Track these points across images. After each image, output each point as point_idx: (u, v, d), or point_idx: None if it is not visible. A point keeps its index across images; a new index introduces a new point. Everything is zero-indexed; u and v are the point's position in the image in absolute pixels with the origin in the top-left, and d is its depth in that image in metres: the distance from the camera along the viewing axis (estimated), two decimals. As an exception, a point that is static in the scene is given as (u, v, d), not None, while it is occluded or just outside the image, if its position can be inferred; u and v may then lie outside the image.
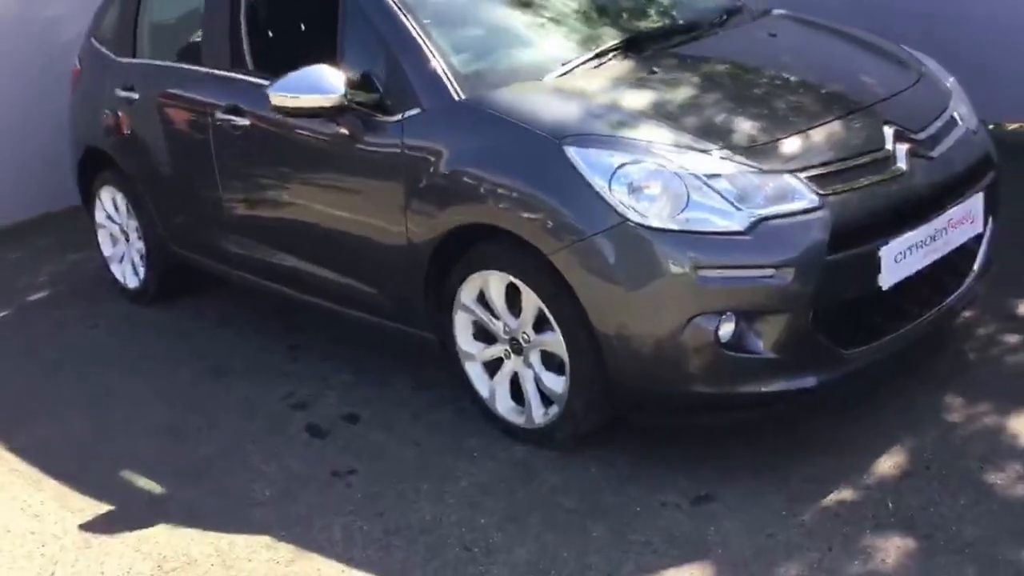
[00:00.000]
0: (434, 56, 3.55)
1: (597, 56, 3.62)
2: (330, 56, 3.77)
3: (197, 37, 4.62)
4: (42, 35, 6.54)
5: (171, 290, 5.08)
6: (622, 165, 3.09)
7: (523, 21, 3.88)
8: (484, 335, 3.54)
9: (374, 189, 3.67)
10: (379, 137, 3.62)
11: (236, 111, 4.13)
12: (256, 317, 4.79)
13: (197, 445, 3.82)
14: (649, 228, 3.02)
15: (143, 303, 5.11)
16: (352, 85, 3.61)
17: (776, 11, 4.12)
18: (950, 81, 3.73)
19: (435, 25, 3.66)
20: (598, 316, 3.12)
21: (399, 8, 3.66)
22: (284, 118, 3.84)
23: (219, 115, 4.19)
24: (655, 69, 3.55)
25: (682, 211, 3.02)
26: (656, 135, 3.19)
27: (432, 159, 3.45)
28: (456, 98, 3.47)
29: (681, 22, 3.98)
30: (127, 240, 5.13)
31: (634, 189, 3.06)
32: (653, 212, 3.03)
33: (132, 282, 5.15)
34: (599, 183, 3.08)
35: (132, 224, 5.02)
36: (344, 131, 3.68)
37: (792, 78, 3.59)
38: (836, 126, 3.27)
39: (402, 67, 3.58)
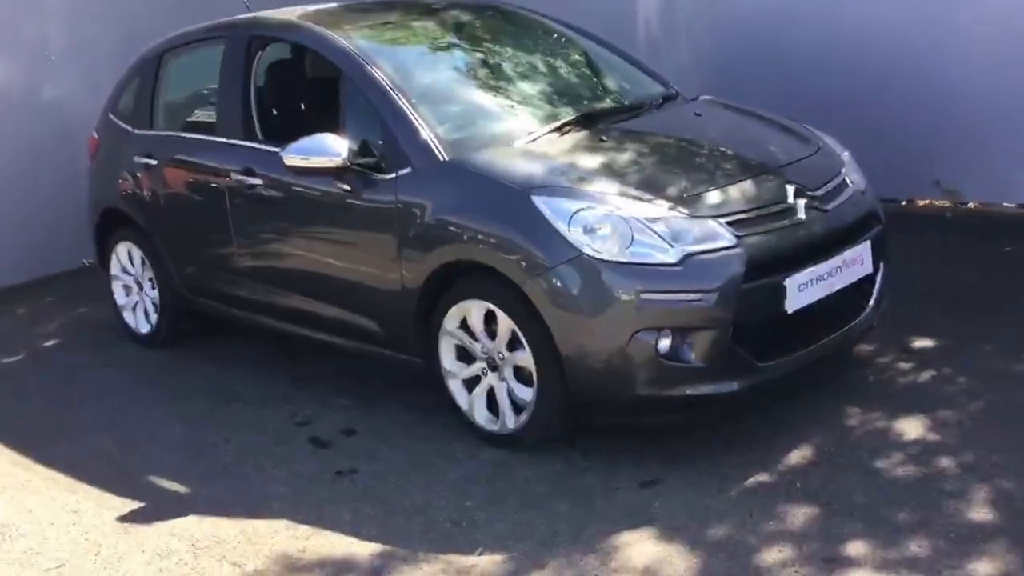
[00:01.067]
0: (423, 126, 4.25)
1: (558, 128, 4.36)
2: (330, 126, 4.46)
3: (209, 112, 5.31)
4: (47, 114, 7.23)
5: (181, 334, 5.68)
6: (579, 210, 3.79)
7: (495, 98, 4.64)
8: (465, 356, 4.18)
9: (372, 239, 4.33)
10: (376, 193, 4.30)
11: (250, 173, 4.80)
12: (261, 355, 5.40)
13: (215, 456, 4.41)
14: (601, 261, 3.71)
15: (154, 347, 5.70)
16: (352, 149, 4.31)
17: (704, 97, 4.93)
18: (845, 154, 4.50)
19: (422, 101, 4.37)
20: (561, 334, 3.78)
21: (391, 88, 4.37)
22: (293, 178, 4.53)
23: (234, 176, 4.86)
24: (604, 138, 4.30)
25: (628, 247, 3.72)
26: (606, 188, 3.91)
27: (422, 210, 4.13)
28: (442, 159, 4.16)
29: (626, 103, 4.77)
30: (140, 289, 5.74)
31: (589, 230, 3.76)
32: (604, 248, 3.72)
33: (144, 328, 5.74)
34: (560, 225, 3.77)
35: (147, 275, 5.63)
36: (346, 187, 4.36)
37: (713, 146, 4.36)
38: (748, 183, 4.02)
39: (395, 135, 4.28)
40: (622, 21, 7.10)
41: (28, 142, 7.12)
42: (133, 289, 5.80)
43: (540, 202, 3.84)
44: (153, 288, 5.63)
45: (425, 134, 4.22)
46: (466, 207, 4.04)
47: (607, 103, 4.78)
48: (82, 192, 6.41)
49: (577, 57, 5.11)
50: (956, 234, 6.08)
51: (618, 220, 3.76)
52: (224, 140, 5.01)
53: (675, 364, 3.70)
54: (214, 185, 5.01)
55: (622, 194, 3.87)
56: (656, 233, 3.73)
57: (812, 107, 5.70)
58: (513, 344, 3.98)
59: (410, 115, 4.28)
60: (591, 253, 3.72)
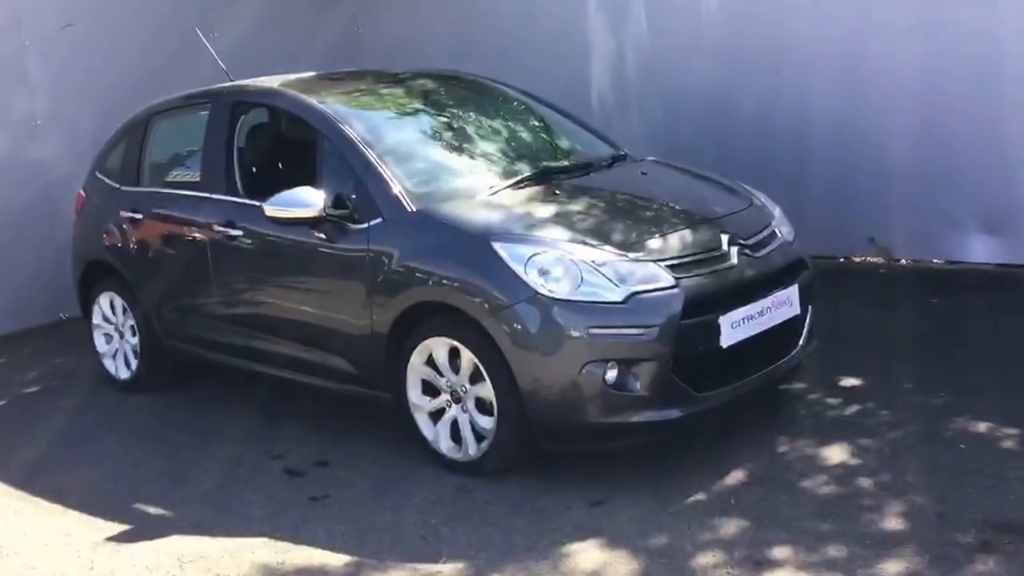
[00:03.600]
0: (392, 180, 4.67)
1: (516, 183, 4.81)
2: (307, 182, 4.87)
3: (193, 170, 5.69)
4: (27, 175, 7.57)
5: (159, 380, 6.00)
6: (534, 255, 4.22)
7: (459, 156, 5.10)
8: (430, 390, 4.56)
9: (345, 285, 4.72)
10: (349, 242, 4.70)
11: (230, 225, 5.19)
12: (238, 396, 5.73)
13: (196, 485, 4.73)
14: (554, 299, 4.12)
15: (134, 391, 6.01)
16: (328, 202, 4.72)
17: (649, 158, 5.44)
18: (776, 209, 4.99)
19: (391, 158, 4.81)
20: (519, 367, 4.18)
21: (364, 145, 4.80)
22: (272, 228, 4.93)
23: (216, 228, 5.25)
24: (557, 192, 4.76)
25: (578, 287, 4.14)
26: (559, 234, 4.34)
27: (391, 257, 4.53)
28: (410, 209, 4.58)
29: (578, 162, 5.25)
30: (121, 337, 6.07)
31: (543, 272, 4.18)
32: (557, 288, 4.14)
33: (124, 373, 6.05)
34: (518, 268, 4.19)
35: (128, 322, 5.97)
36: (322, 236, 4.76)
37: (656, 200, 4.83)
38: (687, 232, 4.48)
39: (367, 188, 4.70)
40: (577, 89, 7.64)
41: (10, 202, 7.46)
42: (114, 337, 6.13)
43: (499, 247, 4.26)
44: (134, 335, 5.97)
45: (395, 187, 4.64)
46: (432, 253, 4.44)
47: (561, 162, 5.26)
48: (60, 250, 6.76)
49: (534, 121, 5.58)
50: (887, 287, 6.59)
51: (569, 263, 4.18)
52: (207, 195, 5.41)
53: (621, 393, 4.10)
54: (196, 236, 5.39)
55: (573, 240, 4.30)
56: (603, 275, 4.15)
57: (753, 170, 6.21)
58: (475, 377, 4.36)
59: (381, 170, 4.71)
60: (545, 292, 4.13)
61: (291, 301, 5.02)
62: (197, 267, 5.41)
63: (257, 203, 5.01)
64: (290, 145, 5.67)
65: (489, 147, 5.18)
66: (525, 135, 5.46)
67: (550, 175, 4.97)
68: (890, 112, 6.58)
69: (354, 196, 4.74)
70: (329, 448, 4.95)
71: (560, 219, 4.51)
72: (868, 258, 6.94)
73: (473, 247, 4.34)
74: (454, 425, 4.50)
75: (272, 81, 5.62)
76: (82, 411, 5.86)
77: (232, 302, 5.33)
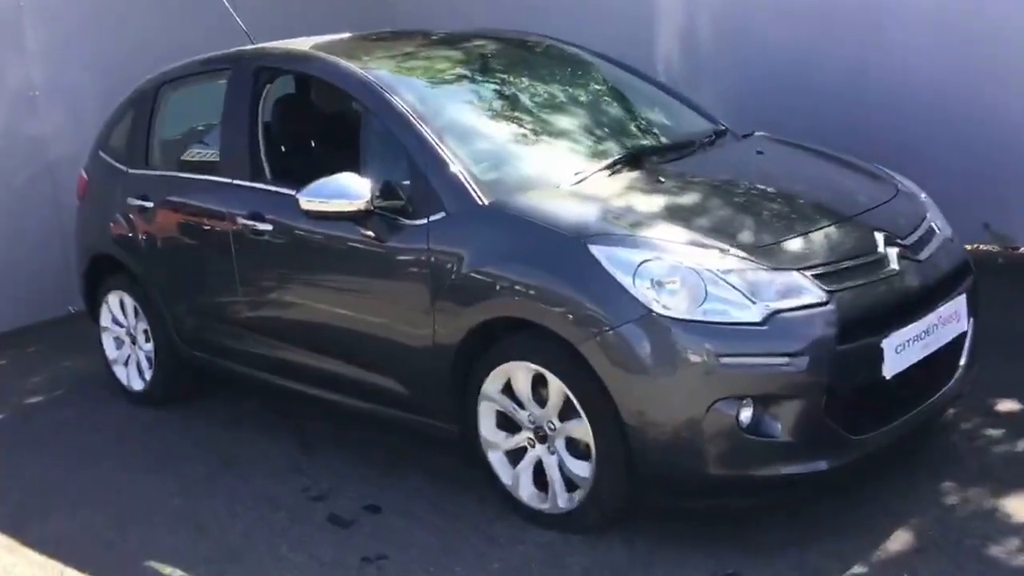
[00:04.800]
0: (456, 165, 3.68)
1: (606, 167, 3.80)
2: (348, 166, 3.88)
3: (211, 150, 4.71)
4: (26, 153, 6.56)
5: (177, 391, 5.04)
6: (644, 261, 3.23)
7: (533, 135, 4.03)
8: (508, 424, 3.60)
9: (400, 290, 3.75)
10: (404, 240, 3.71)
11: (257, 217, 4.21)
12: (264, 415, 4.77)
13: (220, 536, 3.77)
14: (673, 319, 3.14)
15: (148, 404, 5.06)
16: (376, 192, 3.74)
17: (758, 132, 4.37)
18: (923, 196, 3.97)
19: (453, 137, 3.80)
20: (625, 402, 3.21)
21: (419, 122, 3.80)
22: (308, 223, 3.94)
23: (240, 221, 4.26)
24: (661, 179, 3.73)
25: (702, 303, 3.16)
26: (672, 234, 3.35)
27: (458, 260, 3.55)
28: (480, 203, 3.60)
29: (677, 140, 4.19)
30: (133, 343, 5.11)
31: (656, 283, 3.19)
32: (675, 304, 3.16)
33: (137, 384, 5.10)
34: (623, 278, 3.20)
35: (140, 327, 5.01)
36: (369, 234, 3.79)
37: (783, 188, 3.80)
38: (831, 230, 3.46)
39: (425, 175, 3.70)
40: (641, 62, 6.59)
41: (9, 184, 6.48)
42: (125, 342, 5.16)
43: (598, 252, 3.27)
44: (147, 341, 5.00)
45: (460, 174, 3.65)
46: (511, 257, 3.46)
47: (655, 140, 4.21)
48: (67, 236, 5.82)
49: (617, 89, 4.54)
50: (1011, 280, 5.56)
51: (689, 272, 3.20)
52: (228, 181, 4.40)
53: (758, 439, 3.12)
54: (217, 230, 4.40)
55: (692, 242, 3.30)
56: (734, 287, 3.16)
57: (847, 147, 5.21)
58: (567, 412, 3.40)
59: (442, 152, 3.71)
60: (660, 310, 3.14)
61: (330, 309, 4.04)
62: (219, 265, 4.43)
63: (288, 192, 4.04)
64: (325, 120, 4.69)
65: (569, 122, 4.13)
66: (609, 107, 4.40)
67: (645, 156, 3.95)
68: (1009, 81, 5.52)
69: (408, 184, 3.75)
70: (379, 486, 3.99)
71: (671, 214, 3.50)
72: (982, 246, 5.91)
73: (564, 251, 3.35)
74: (538, 468, 3.53)
75: (302, 43, 4.59)
76: (88, 430, 4.91)
77: (260, 307, 4.35)
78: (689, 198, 3.65)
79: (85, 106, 6.43)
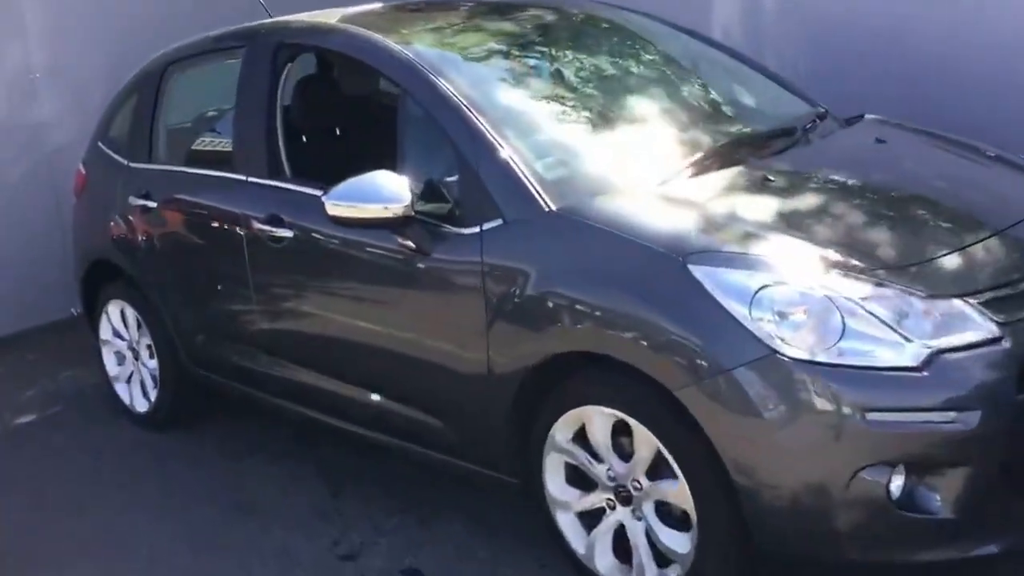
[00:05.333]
0: (515, 162, 2.97)
1: (699, 164, 3.07)
2: (383, 161, 3.19)
3: (223, 141, 4.03)
4: (25, 141, 5.83)
5: (186, 414, 4.37)
6: (763, 287, 2.52)
7: (608, 124, 3.30)
8: (580, 480, 2.90)
9: (446, 309, 3.05)
10: (452, 252, 3.02)
11: (276, 221, 3.51)
12: (285, 446, 4.09)
13: (233, 606, 3.14)
14: (801, 361, 2.43)
15: (154, 428, 4.39)
16: (417, 193, 3.05)
17: (870, 116, 3.62)
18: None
19: (513, 128, 3.09)
20: (737, 463, 2.51)
21: (470, 110, 3.11)
22: (335, 229, 3.25)
23: (256, 225, 3.57)
24: (769, 177, 3.00)
25: (838, 340, 2.46)
26: (794, 251, 2.63)
27: (520, 277, 2.85)
28: (547, 209, 2.89)
29: (776, 127, 3.44)
30: (136, 358, 4.44)
31: (780, 315, 2.48)
32: (804, 342, 2.45)
33: (141, 405, 4.43)
34: (737, 308, 2.49)
35: (144, 341, 4.33)
36: (409, 244, 3.10)
37: (922, 190, 3.06)
38: (993, 244, 2.72)
39: (478, 174, 3.00)
40: (693, 19, 5.79)
41: (6, 175, 5.78)
42: (127, 357, 4.49)
43: (702, 274, 2.56)
44: (152, 358, 4.32)
45: (522, 174, 2.94)
46: (588, 277, 2.75)
47: (752, 127, 3.46)
48: (68, 232, 5.15)
49: (699, 66, 3.79)
50: None
51: (821, 300, 2.49)
52: (242, 178, 3.70)
53: (913, 516, 2.42)
54: (229, 235, 3.70)
55: (821, 261, 2.58)
56: (880, 320, 2.46)
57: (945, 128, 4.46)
58: (657, 470, 2.69)
59: (499, 146, 2.99)
60: (785, 350, 2.43)
61: (360, 331, 3.35)
62: (231, 276, 3.74)
63: (312, 192, 3.36)
64: (355, 107, 3.98)
65: (648, 108, 3.39)
66: (693, 88, 3.66)
67: (742, 149, 3.24)
68: None
69: (456, 185, 3.05)
70: (418, 540, 3.31)
71: (789, 223, 2.77)
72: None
73: (657, 271, 2.64)
74: (619, 535, 2.84)
75: (328, 15, 3.87)
76: (84, 460, 4.22)
77: (278, 325, 3.66)
78: (808, 202, 2.90)
79: (91, 89, 5.66)
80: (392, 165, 3.16)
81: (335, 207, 3.07)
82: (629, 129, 3.28)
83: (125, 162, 4.31)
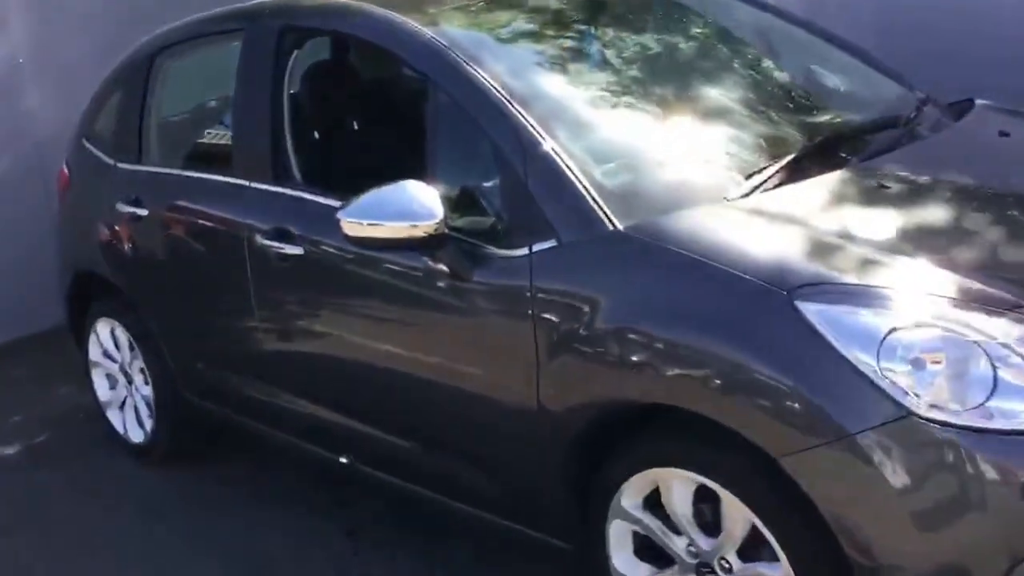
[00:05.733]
0: (571, 169, 2.46)
1: (789, 168, 2.53)
2: (410, 166, 2.69)
3: (222, 139, 3.53)
4: (10, 132, 5.32)
5: (188, 446, 3.88)
6: (892, 330, 2.00)
7: (676, 121, 2.75)
8: (653, 553, 2.40)
9: (489, 343, 2.55)
10: (494, 275, 2.50)
11: (283, 235, 3.00)
12: (298, 484, 3.59)
13: None
14: (944, 424, 1.92)
15: (152, 462, 3.90)
16: (451, 206, 2.56)
17: (980, 101, 3.05)
18: None
19: (566, 127, 2.57)
20: (860, 546, 1.99)
21: (513, 105, 2.56)
22: (352, 248, 2.73)
23: (260, 240, 3.08)
24: (885, 184, 2.47)
25: (987, 398, 1.95)
26: (929, 282, 2.11)
27: (581, 310, 2.33)
28: (610, 227, 2.37)
29: (876, 119, 2.88)
30: (129, 383, 3.94)
31: (914, 365, 1.98)
32: (946, 400, 1.94)
33: (136, 435, 3.93)
34: (860, 357, 1.98)
35: (137, 364, 3.85)
36: (442, 267, 2.60)
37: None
38: None
39: (525, 184, 2.48)
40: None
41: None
42: (119, 381, 4.00)
43: (815, 313, 2.04)
44: (147, 383, 3.84)
45: (579, 184, 2.42)
46: (665, 313, 2.23)
47: (850, 120, 2.90)
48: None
49: (776, 43, 3.23)
50: None
51: (967, 347, 1.97)
52: (244, 183, 3.19)
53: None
54: (230, 250, 3.19)
55: (962, 295, 2.07)
56: (1047, 371, 1.97)
57: None
58: (752, 548, 2.19)
59: (548, 149, 2.48)
60: (922, 410, 1.93)
61: (384, 364, 2.84)
62: (232, 296, 3.24)
63: (325, 200, 2.88)
64: (374, 100, 3.47)
65: (724, 98, 2.83)
66: (772, 71, 3.09)
67: (842, 146, 2.69)
68: None
69: (499, 195, 2.54)
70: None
71: (915, 244, 2.24)
72: None
73: (755, 309, 2.12)
74: (701, 622, 2.38)
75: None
76: (70, 507, 3.72)
77: (287, 355, 3.16)
78: (937, 215, 2.36)
79: (82, 75, 5.14)
80: (419, 169, 2.65)
81: (353, 225, 2.54)
82: (704, 125, 2.72)
83: (111, 162, 3.80)
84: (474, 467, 2.71)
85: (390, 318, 2.82)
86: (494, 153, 2.56)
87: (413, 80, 3.00)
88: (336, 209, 2.66)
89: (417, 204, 2.50)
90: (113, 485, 3.85)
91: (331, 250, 2.87)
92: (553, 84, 2.77)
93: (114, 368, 4.00)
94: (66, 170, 4.11)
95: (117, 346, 3.93)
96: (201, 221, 3.36)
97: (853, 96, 3.09)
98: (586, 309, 2.34)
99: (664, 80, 2.88)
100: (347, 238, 2.58)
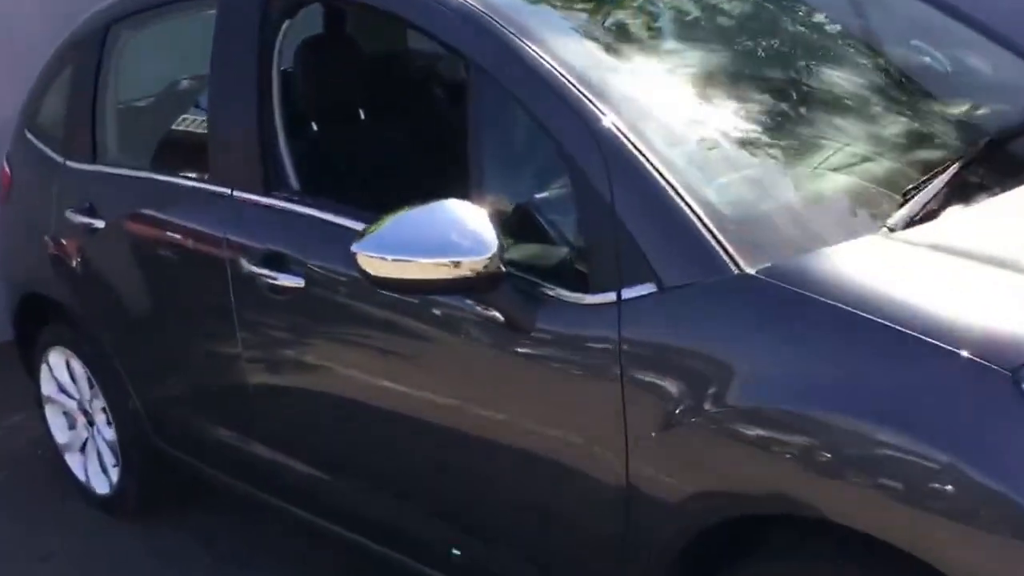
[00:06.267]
0: (675, 187, 1.78)
1: (963, 180, 1.86)
2: (444, 176, 2.03)
3: (196, 134, 2.83)
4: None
5: (159, 498, 3.21)
6: None
7: (802, 123, 2.05)
8: None
9: (554, 421, 1.89)
10: (565, 324, 1.85)
11: (277, 262, 2.33)
12: (285, 551, 2.95)
13: None
14: None
15: (119, 516, 3.23)
16: (502, 230, 1.88)
17: None
18: None
19: (663, 133, 1.88)
20: None
21: (588, 98, 1.88)
22: (374, 285, 2.07)
23: (247, 266, 2.40)
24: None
25: None
26: None
27: (693, 374, 1.68)
28: (734, 269, 1.71)
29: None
30: (91, 424, 3.28)
31: None
32: None
33: (100, 485, 3.25)
34: None
35: (98, 404, 3.18)
36: (494, 315, 1.95)
37: None
38: None
39: (610, 206, 1.81)
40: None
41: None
42: (79, 421, 3.33)
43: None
44: (110, 425, 3.18)
45: (687, 208, 1.76)
46: (825, 390, 1.56)
47: (1006, 115, 2.21)
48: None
49: (909, 25, 2.50)
50: None
51: None
52: (224, 191, 2.49)
53: None
54: (209, 274, 2.51)
55: None
56: None
57: None
58: None
59: (645, 160, 1.83)
60: None
61: (410, 429, 2.17)
62: (212, 330, 2.57)
63: (332, 218, 2.22)
64: (392, 86, 2.78)
65: (854, 89, 2.14)
66: (912, 57, 2.37)
67: (1011, 151, 2.04)
68: None
69: (573, 220, 1.88)
70: None
71: None
72: None
73: (960, 393, 1.47)
74: None
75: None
76: (32, 568, 3.05)
77: (283, 408, 2.49)
78: None
79: (25, 48, 4.45)
80: (456, 178, 1.99)
81: (374, 262, 1.87)
82: (842, 124, 2.02)
83: (60, 160, 3.08)
84: (526, 560, 2.08)
85: (417, 372, 2.14)
86: (562, 160, 1.89)
87: (445, 60, 2.33)
88: (346, 230, 2.00)
89: (461, 233, 1.82)
90: (73, 544, 3.16)
91: (341, 283, 2.20)
92: (642, 68, 2.07)
93: (72, 405, 3.31)
94: (7, 168, 3.39)
95: (74, 379, 3.27)
96: (171, 237, 2.66)
97: (1005, 86, 2.40)
98: (705, 376, 1.68)
99: (786, 66, 2.18)
100: (366, 278, 1.92)
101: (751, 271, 1.68)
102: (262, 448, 2.60)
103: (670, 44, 2.18)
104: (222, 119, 2.54)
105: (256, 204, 2.41)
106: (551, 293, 1.87)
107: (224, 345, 2.55)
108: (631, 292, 1.77)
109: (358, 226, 2.01)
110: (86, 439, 3.32)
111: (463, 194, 1.92)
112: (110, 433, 3.15)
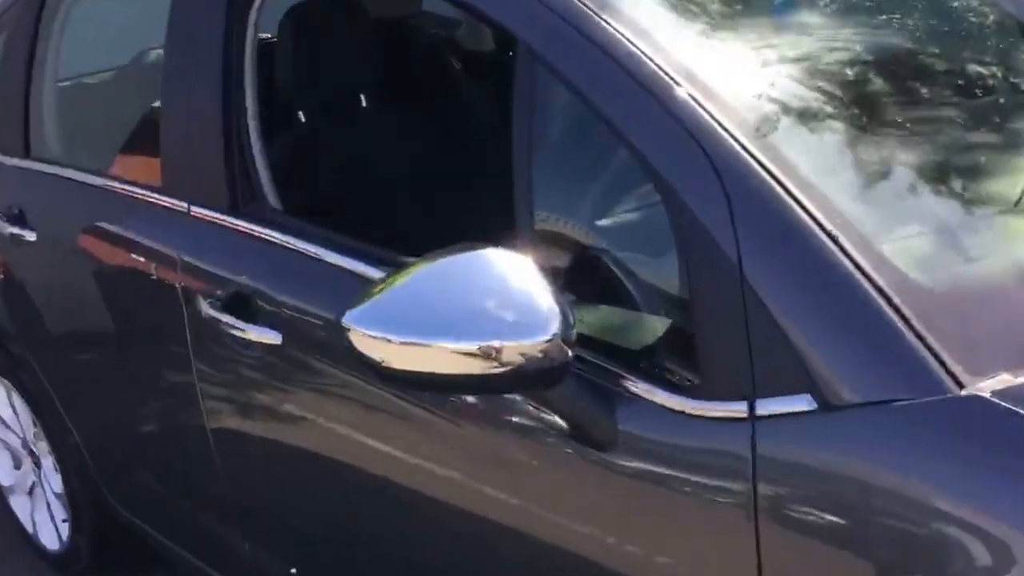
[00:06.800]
0: (841, 244, 1.12)
1: None
2: (477, 199, 1.42)
3: (150, 127, 2.16)
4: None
5: (116, 558, 2.58)
6: None
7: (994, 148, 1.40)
8: None
9: (641, 537, 1.27)
10: (667, 436, 1.21)
11: (243, 308, 1.69)
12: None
13: None
14: None
15: (72, 574, 2.67)
16: (572, 304, 1.20)
17: None
18: None
19: (811, 151, 1.25)
20: None
21: (698, 99, 1.22)
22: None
23: (206, 310, 1.76)
24: None
25: None
26: None
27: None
28: (955, 388, 1.04)
29: None
30: (36, 465, 2.68)
31: None
32: None
33: (50, 540, 2.61)
34: None
35: (43, 446, 2.57)
36: (559, 423, 1.28)
37: None
38: None
39: (736, 265, 1.15)
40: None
41: None
42: (25, 461, 2.72)
43: None
44: (57, 471, 2.59)
45: (862, 276, 1.09)
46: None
47: None
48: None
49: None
50: None
51: None
52: (179, 206, 1.84)
53: None
54: (163, 312, 1.86)
55: None
56: None
57: None
58: None
59: (788, 199, 1.15)
60: None
61: (431, 540, 1.54)
62: (167, 376, 1.95)
63: (318, 251, 1.57)
64: (407, 71, 2.13)
65: None
66: None
67: None
68: None
69: (678, 284, 1.22)
70: None
71: None
72: None
73: None
74: None
75: None
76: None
77: (252, 471, 1.85)
78: None
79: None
80: (493, 201, 1.36)
81: (376, 346, 1.20)
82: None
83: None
84: None
85: (436, 478, 1.50)
86: (657, 190, 1.25)
87: (480, 42, 1.67)
88: (340, 271, 1.39)
89: (504, 299, 1.16)
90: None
91: (330, 346, 1.55)
92: (774, 65, 1.39)
93: (15, 442, 2.70)
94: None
95: (16, 413, 2.64)
96: (118, 260, 2.01)
97: None
98: (912, 541, 1.05)
99: (952, 79, 1.47)
100: (364, 364, 1.28)
101: (983, 392, 1.04)
102: (222, 515, 1.98)
103: (812, 37, 1.46)
104: (177, 110, 1.88)
105: (220, 226, 1.75)
106: (635, 389, 1.24)
107: (180, 398, 1.91)
108: (772, 406, 1.13)
109: (357, 266, 1.40)
110: (32, 484, 2.70)
111: (506, 226, 1.29)
112: (57, 483, 2.54)
